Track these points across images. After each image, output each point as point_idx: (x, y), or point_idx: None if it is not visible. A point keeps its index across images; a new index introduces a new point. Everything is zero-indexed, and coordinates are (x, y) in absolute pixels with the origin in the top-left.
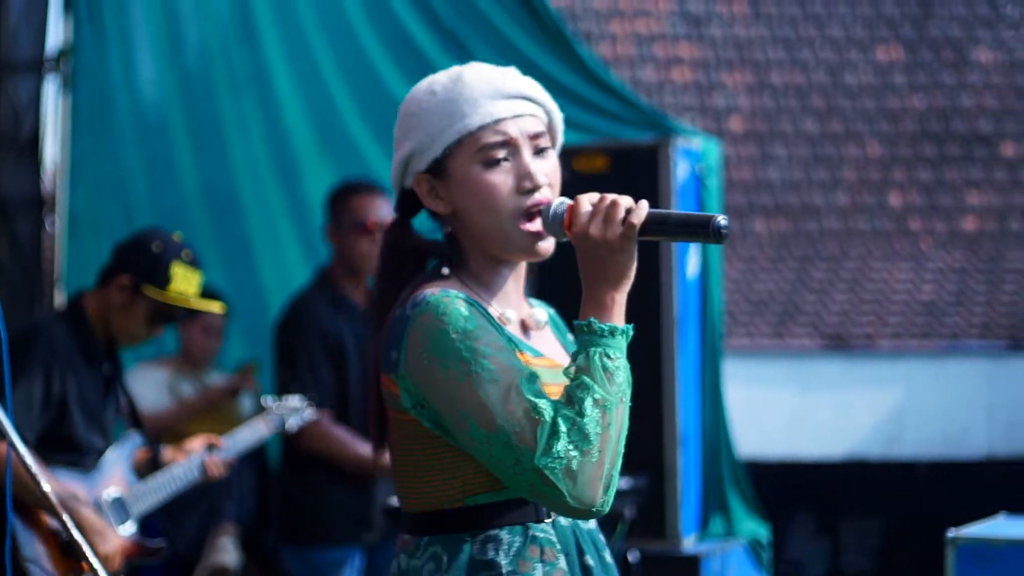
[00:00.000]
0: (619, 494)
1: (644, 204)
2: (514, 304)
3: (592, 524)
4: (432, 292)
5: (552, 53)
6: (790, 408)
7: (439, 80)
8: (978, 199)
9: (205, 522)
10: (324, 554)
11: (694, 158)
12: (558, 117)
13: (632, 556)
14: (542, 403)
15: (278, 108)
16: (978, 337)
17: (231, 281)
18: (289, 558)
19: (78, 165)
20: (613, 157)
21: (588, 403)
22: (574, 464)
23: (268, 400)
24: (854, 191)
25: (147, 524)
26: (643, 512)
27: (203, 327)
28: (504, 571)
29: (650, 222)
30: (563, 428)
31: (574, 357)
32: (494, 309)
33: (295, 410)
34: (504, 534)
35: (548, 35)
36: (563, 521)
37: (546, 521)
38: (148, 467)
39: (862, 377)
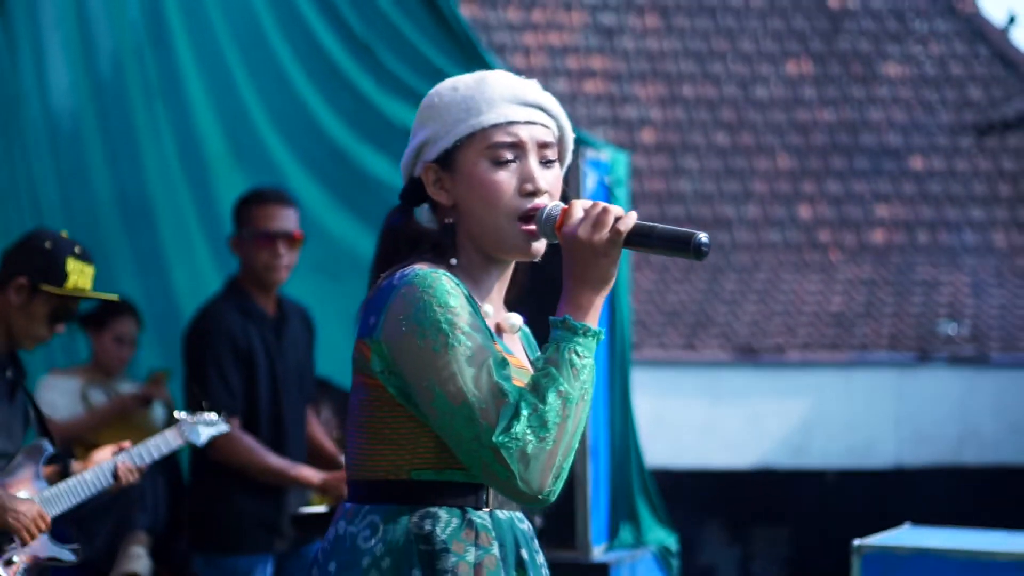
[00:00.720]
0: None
1: (633, 214)
2: (495, 304)
3: (528, 526)
4: (421, 267)
5: (463, 64)
6: (700, 418)
7: (464, 79)
8: (887, 212)
9: (116, 531)
10: (234, 562)
11: (603, 170)
12: (569, 136)
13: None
14: (508, 386)
15: (191, 116)
16: (886, 348)
17: (144, 290)
18: (200, 566)
19: None
20: None
21: (551, 393)
22: (529, 448)
23: (181, 413)
24: (764, 203)
25: (58, 533)
26: (552, 521)
27: (115, 336)
28: (438, 547)
29: (636, 232)
30: (524, 412)
31: (544, 349)
32: (476, 301)
33: (209, 424)
34: (443, 512)
35: (459, 46)
36: (501, 514)
37: (484, 510)
38: (57, 479)
39: (772, 387)
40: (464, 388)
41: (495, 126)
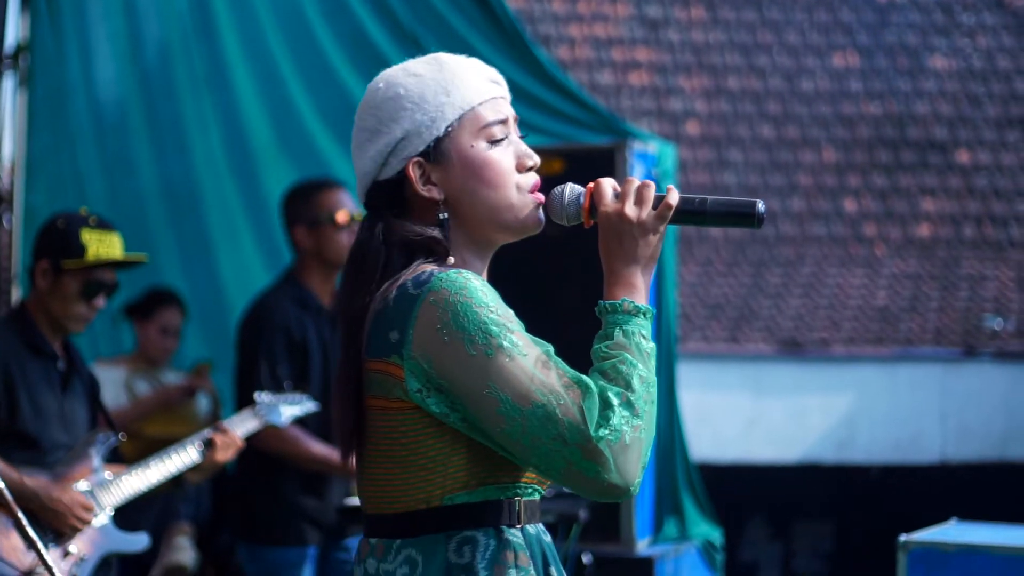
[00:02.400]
0: (573, 496)
1: (674, 188)
2: None
3: (550, 539)
4: (440, 270)
5: (510, 56)
6: (744, 412)
7: (414, 66)
8: (933, 206)
9: (160, 522)
10: (279, 553)
11: (650, 161)
12: None
13: (586, 558)
14: (579, 375)
15: (237, 107)
16: (931, 343)
17: (189, 280)
18: (244, 556)
19: (36, 162)
20: (569, 160)
21: (636, 379)
22: (627, 439)
23: (262, 394)
24: (810, 196)
25: (124, 522)
26: (597, 515)
27: (160, 326)
28: (480, 575)
29: (685, 206)
30: (616, 401)
31: (606, 335)
32: None
33: (293, 403)
34: (480, 536)
35: (506, 38)
36: (531, 528)
37: (516, 527)
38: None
39: (816, 382)
40: (532, 387)
41: (483, 103)
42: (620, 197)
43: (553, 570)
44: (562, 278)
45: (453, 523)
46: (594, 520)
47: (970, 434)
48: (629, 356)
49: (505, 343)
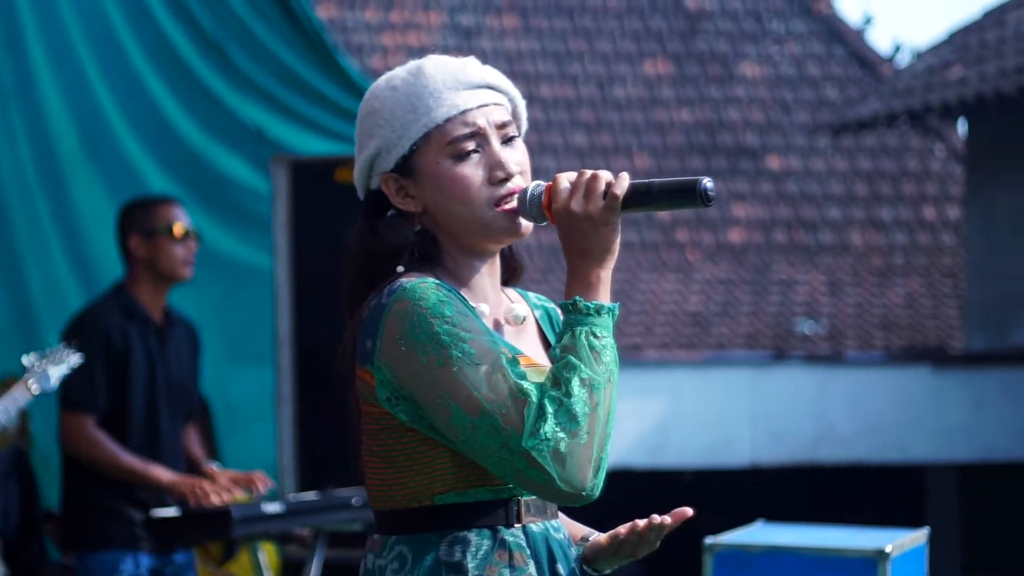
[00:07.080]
0: None
1: (624, 175)
2: (491, 301)
3: (564, 535)
4: (408, 280)
5: (315, 64)
6: None
7: (398, 75)
8: (744, 211)
9: None
10: (101, 557)
11: None
12: (521, 104)
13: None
14: (527, 385)
15: (45, 117)
16: (743, 347)
17: (1, 294)
18: (76, 567)
19: None
20: None
21: (575, 383)
22: (562, 446)
23: (30, 358)
24: None
25: None
26: None
27: None
28: (471, 574)
29: (633, 193)
30: (550, 409)
31: (559, 337)
32: (471, 303)
33: (58, 362)
34: (472, 536)
35: (311, 46)
36: (534, 527)
37: (516, 526)
38: None
39: (628, 386)
40: (479, 397)
41: (449, 119)
42: (571, 191)
43: (560, 567)
44: None
45: (445, 523)
46: None
47: (780, 437)
48: (573, 359)
49: (455, 352)
